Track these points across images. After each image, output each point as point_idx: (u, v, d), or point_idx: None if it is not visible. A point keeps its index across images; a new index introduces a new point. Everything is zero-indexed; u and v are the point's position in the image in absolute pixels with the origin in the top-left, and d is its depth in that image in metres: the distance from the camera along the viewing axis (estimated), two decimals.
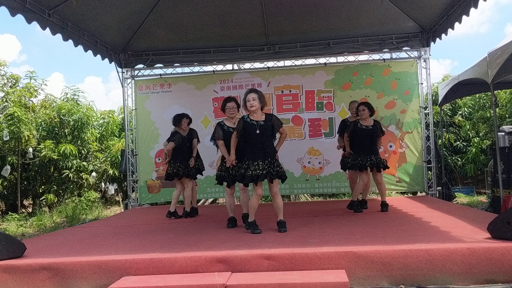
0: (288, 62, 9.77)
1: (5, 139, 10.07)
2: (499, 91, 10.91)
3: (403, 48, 9.36)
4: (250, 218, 5.48)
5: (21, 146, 10.46)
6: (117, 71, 9.84)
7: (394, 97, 9.27)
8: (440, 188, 8.97)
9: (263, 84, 9.57)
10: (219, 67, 10.01)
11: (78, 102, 12.50)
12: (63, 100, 12.41)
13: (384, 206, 6.79)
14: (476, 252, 3.80)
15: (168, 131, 7.59)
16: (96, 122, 12.99)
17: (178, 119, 7.25)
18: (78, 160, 11.26)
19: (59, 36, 7.37)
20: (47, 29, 6.99)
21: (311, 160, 9.42)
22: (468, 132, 11.83)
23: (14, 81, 11.09)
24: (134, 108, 9.95)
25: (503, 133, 8.05)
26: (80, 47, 8.06)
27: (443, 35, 8.25)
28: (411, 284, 3.78)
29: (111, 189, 12.01)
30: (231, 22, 9.06)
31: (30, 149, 10.64)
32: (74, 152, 10.96)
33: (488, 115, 11.36)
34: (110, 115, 13.35)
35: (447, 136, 11.84)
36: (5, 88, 10.76)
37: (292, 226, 5.68)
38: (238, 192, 6.10)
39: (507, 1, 45.54)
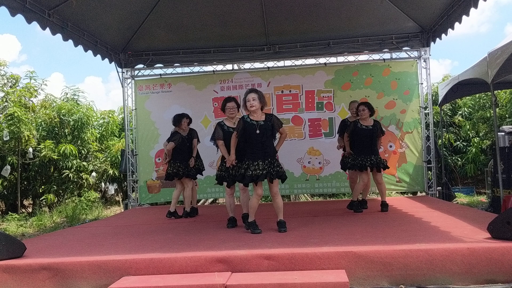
0: (288, 62, 9.77)
1: (5, 139, 10.07)
2: (499, 91, 10.91)
3: (403, 48, 9.36)
4: (250, 218, 5.48)
5: (21, 146, 10.46)
6: (117, 71, 9.84)
7: (394, 97, 9.27)
8: (440, 188, 8.98)
9: (263, 84, 9.57)
10: (219, 67, 10.02)
11: (78, 102, 12.50)
12: (63, 100, 12.41)
13: (384, 206, 6.80)
14: (476, 252, 3.81)
15: (168, 131, 7.58)
16: (96, 122, 12.99)
17: (178, 119, 7.25)
18: (78, 160, 11.27)
19: (59, 36, 7.37)
20: (47, 29, 6.99)
21: (311, 160, 9.42)
22: (468, 132, 11.84)
23: (14, 81, 11.10)
24: (134, 108, 9.95)
25: (503, 133, 8.05)
26: (80, 47, 8.06)
27: (443, 35, 8.26)
28: (411, 284, 3.78)
29: (111, 189, 12.02)
30: (231, 22, 9.06)
31: (30, 149, 10.64)
32: (74, 152, 10.96)
33: (488, 115, 11.36)
34: (110, 115, 13.35)
35: (447, 136, 11.85)
36: (5, 88, 10.76)
37: (292, 226, 5.68)
38: (239, 192, 6.10)
39: (507, 1, 45.52)
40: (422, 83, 9.22)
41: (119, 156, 11.14)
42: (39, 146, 10.85)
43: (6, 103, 10.48)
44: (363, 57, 9.64)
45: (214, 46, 9.71)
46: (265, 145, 5.34)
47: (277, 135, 5.59)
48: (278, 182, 5.41)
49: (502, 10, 45.60)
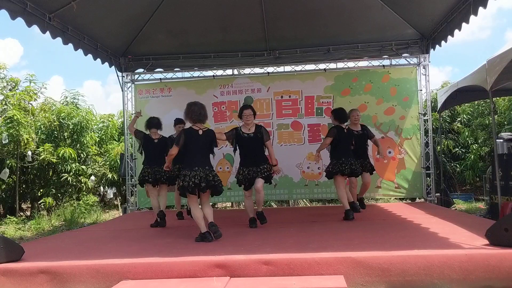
0: (288, 68, 9.79)
1: (4, 142, 10.06)
2: (497, 98, 10.94)
3: (403, 55, 9.38)
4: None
5: (20, 149, 10.44)
6: (117, 75, 9.84)
7: (394, 103, 9.28)
8: (438, 194, 8.98)
9: (262, 89, 9.60)
10: (219, 72, 10.02)
11: (77, 105, 12.50)
12: (63, 103, 12.41)
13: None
14: (474, 259, 3.82)
15: (167, 135, 7.55)
16: (95, 126, 12.99)
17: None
18: (77, 164, 11.25)
19: (58, 39, 7.37)
20: (47, 32, 6.99)
21: (310, 165, 9.42)
22: (467, 138, 11.85)
23: (14, 84, 11.10)
24: (134, 112, 9.94)
25: (501, 140, 8.08)
26: (79, 51, 8.06)
27: (443, 42, 8.28)
28: None
29: (110, 193, 11.99)
30: (231, 27, 9.10)
31: (29, 152, 10.63)
32: (73, 155, 10.95)
33: (487, 122, 11.39)
34: (110, 119, 13.35)
35: (446, 142, 11.87)
36: (4, 91, 10.76)
37: (291, 232, 5.70)
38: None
39: (508, 7, 45.62)
40: (421, 90, 9.24)
41: (118, 160, 11.13)
42: (38, 150, 10.84)
43: (5, 106, 10.48)
44: (362, 63, 9.66)
45: (214, 51, 9.73)
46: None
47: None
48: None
49: (502, 16, 45.68)
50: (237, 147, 6.21)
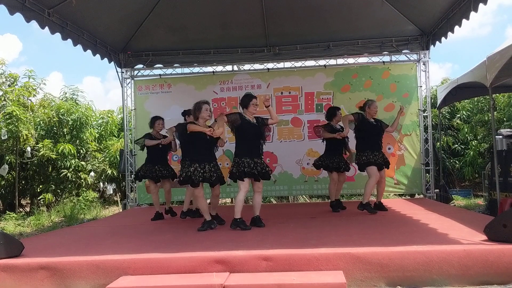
0: (288, 64, 9.77)
1: (3, 138, 10.05)
2: (497, 94, 10.95)
3: (403, 51, 9.37)
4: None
5: (19, 145, 10.45)
6: (117, 71, 9.82)
7: (393, 99, 9.27)
8: (437, 190, 9.00)
9: (262, 85, 9.58)
10: (219, 68, 10.00)
11: (77, 101, 12.49)
12: (62, 99, 12.40)
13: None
14: (472, 254, 3.83)
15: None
16: (95, 122, 12.99)
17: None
18: (77, 160, 11.26)
19: (58, 35, 7.35)
20: (46, 28, 6.97)
21: (310, 162, 9.41)
22: (466, 135, 11.87)
23: (13, 80, 11.09)
24: (133, 108, 9.94)
25: (500, 137, 8.10)
26: (78, 46, 8.04)
27: (443, 38, 8.28)
28: (408, 285, 3.80)
29: (110, 189, 12.00)
30: (231, 23, 9.07)
31: (29, 148, 10.63)
32: (72, 151, 10.95)
33: (486, 118, 11.40)
34: (109, 115, 13.35)
35: (445, 139, 11.88)
36: (3, 87, 10.75)
37: (291, 227, 5.70)
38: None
39: (509, 3, 45.48)
40: (421, 86, 9.23)
41: (117, 156, 11.14)
42: (38, 146, 10.84)
43: (4, 102, 10.46)
44: (362, 60, 9.64)
45: (214, 47, 9.71)
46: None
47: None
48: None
49: (503, 12, 45.56)
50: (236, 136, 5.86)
